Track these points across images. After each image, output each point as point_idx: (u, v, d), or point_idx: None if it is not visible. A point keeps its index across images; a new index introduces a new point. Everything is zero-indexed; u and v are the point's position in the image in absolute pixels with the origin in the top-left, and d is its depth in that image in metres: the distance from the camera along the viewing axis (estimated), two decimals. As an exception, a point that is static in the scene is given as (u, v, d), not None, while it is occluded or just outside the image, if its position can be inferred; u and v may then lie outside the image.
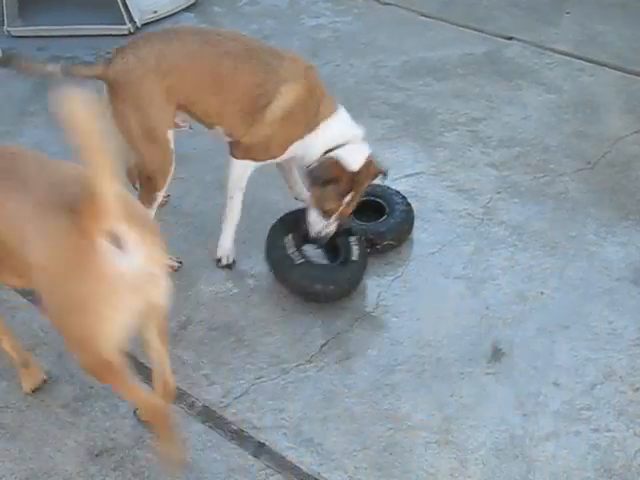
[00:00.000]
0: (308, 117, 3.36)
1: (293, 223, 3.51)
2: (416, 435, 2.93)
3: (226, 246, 3.65)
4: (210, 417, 3.03)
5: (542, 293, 3.46)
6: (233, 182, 3.51)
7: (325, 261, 3.57)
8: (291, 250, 3.43)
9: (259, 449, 2.91)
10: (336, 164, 3.29)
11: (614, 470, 2.78)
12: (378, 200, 3.75)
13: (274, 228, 3.53)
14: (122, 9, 5.56)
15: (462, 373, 3.14)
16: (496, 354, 3.21)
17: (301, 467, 2.84)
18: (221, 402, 3.07)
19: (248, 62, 3.31)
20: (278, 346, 3.29)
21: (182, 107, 3.38)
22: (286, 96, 3.30)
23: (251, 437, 2.95)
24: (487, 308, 3.40)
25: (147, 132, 3.32)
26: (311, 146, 3.39)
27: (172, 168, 3.44)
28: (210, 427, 2.99)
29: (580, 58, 5.09)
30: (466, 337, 3.28)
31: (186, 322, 3.41)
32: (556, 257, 3.63)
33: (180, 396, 3.10)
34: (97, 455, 2.92)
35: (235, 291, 3.55)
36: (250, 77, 3.31)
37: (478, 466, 2.82)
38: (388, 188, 3.77)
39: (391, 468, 2.83)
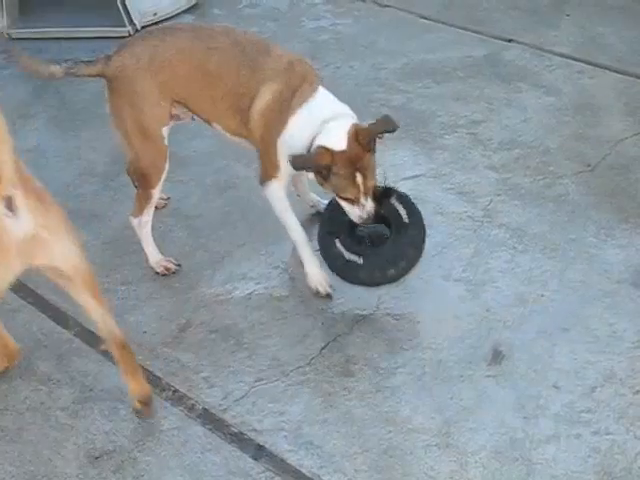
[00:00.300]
0: (282, 111, 3.27)
1: (336, 220, 3.39)
2: (416, 438, 2.92)
3: (314, 273, 3.48)
4: (210, 420, 3.03)
5: (542, 296, 3.46)
6: (275, 209, 3.44)
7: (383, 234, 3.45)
8: (347, 254, 3.33)
9: (259, 452, 2.91)
10: (323, 150, 3.13)
11: (614, 473, 2.77)
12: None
13: (321, 239, 3.43)
14: (122, 11, 5.55)
15: (462, 376, 3.14)
16: (496, 357, 3.21)
17: (301, 470, 2.84)
18: (221, 405, 3.07)
19: (234, 58, 3.31)
20: (278, 349, 3.29)
21: (178, 103, 3.41)
22: (265, 95, 3.27)
23: (251, 440, 2.95)
24: (487, 311, 3.40)
25: (141, 128, 3.36)
26: (290, 145, 3.27)
27: (166, 165, 3.45)
28: (210, 430, 2.99)
29: (580, 60, 5.09)
30: (466, 340, 3.28)
31: (186, 325, 3.41)
32: (556, 260, 3.63)
33: (180, 399, 3.11)
34: (97, 458, 2.92)
35: (235, 294, 3.55)
36: (235, 74, 3.31)
37: (478, 469, 2.81)
38: (390, 189, 3.76)
39: (391, 471, 2.82)
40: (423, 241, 3.36)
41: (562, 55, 5.15)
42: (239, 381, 3.16)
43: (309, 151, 3.19)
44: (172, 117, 3.48)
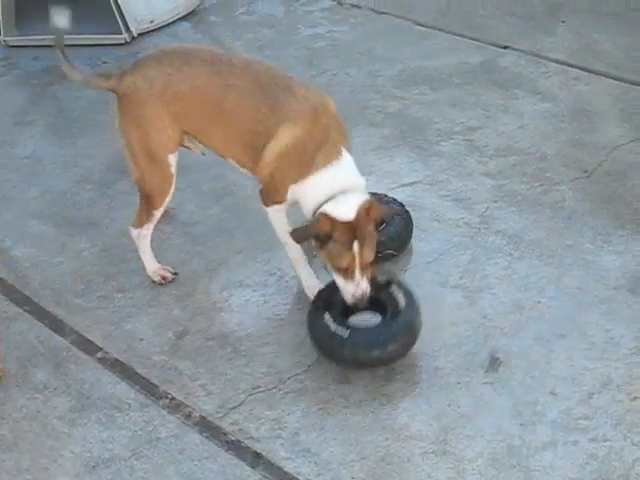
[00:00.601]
0: (302, 163, 3.15)
1: (328, 298, 3.25)
2: (413, 445, 2.92)
3: (312, 285, 3.43)
4: (207, 427, 3.02)
5: (539, 302, 3.46)
6: (277, 230, 3.40)
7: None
8: (334, 326, 3.14)
9: (256, 459, 2.90)
10: (325, 217, 3.05)
11: (612, 480, 2.78)
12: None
13: (311, 312, 3.28)
14: (118, 18, 5.56)
15: (459, 383, 3.13)
16: (493, 363, 3.20)
17: (298, 477, 2.83)
18: (218, 412, 3.07)
19: (253, 97, 3.20)
20: (275, 356, 3.28)
21: (188, 134, 3.37)
22: (283, 137, 3.15)
23: (248, 447, 2.94)
24: (484, 317, 3.40)
25: (148, 151, 3.34)
26: (303, 196, 3.20)
27: (171, 190, 3.43)
28: (207, 437, 2.99)
29: (576, 67, 5.10)
30: (463, 346, 3.27)
31: (183, 332, 3.41)
32: (553, 266, 3.63)
33: (177, 406, 3.10)
34: (94, 466, 2.91)
35: (231, 301, 3.55)
36: (253, 113, 3.20)
37: (475, 476, 2.81)
38: (385, 196, 3.77)
39: (388, 478, 2.82)
40: (416, 329, 3.17)
41: (558, 61, 5.17)
42: (236, 389, 3.16)
43: (314, 214, 3.13)
44: (181, 145, 3.46)
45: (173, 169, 3.39)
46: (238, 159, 3.36)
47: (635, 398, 3.04)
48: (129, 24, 5.60)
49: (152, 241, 3.73)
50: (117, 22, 5.57)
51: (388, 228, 3.61)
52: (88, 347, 3.37)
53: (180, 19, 5.90)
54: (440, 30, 5.62)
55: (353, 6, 5.98)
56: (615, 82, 4.93)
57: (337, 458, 2.89)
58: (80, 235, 3.96)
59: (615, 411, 3.00)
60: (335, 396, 3.11)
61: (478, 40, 5.46)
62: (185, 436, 3.00)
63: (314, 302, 3.31)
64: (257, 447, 2.94)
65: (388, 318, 3.19)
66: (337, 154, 3.15)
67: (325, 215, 3.05)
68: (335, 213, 3.04)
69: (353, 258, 3.04)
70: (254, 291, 3.60)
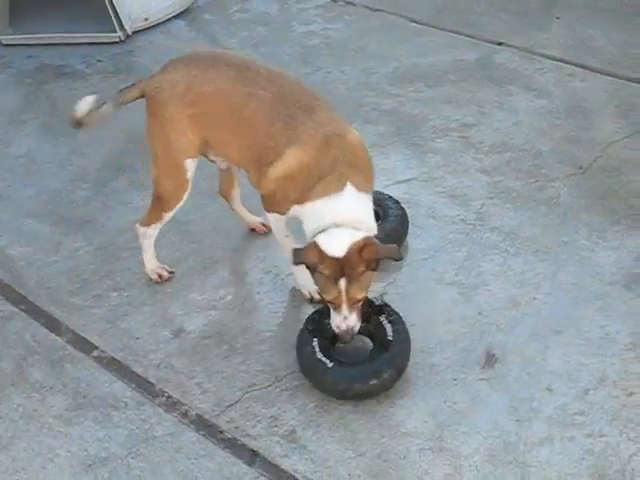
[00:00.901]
0: (304, 187, 3.07)
1: (316, 323, 3.21)
2: (410, 442, 2.92)
3: (307, 284, 3.40)
4: (203, 425, 3.02)
5: (534, 298, 3.46)
6: (275, 233, 3.40)
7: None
8: (320, 354, 3.09)
9: (253, 457, 2.90)
10: (314, 248, 2.96)
11: (608, 475, 2.78)
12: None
13: (300, 334, 3.21)
14: (113, 17, 5.55)
15: (455, 379, 3.14)
16: (489, 360, 3.21)
17: (295, 475, 2.83)
18: (214, 410, 3.07)
19: (271, 110, 3.13)
20: (271, 354, 3.28)
21: (206, 141, 3.31)
22: (289, 158, 3.08)
23: (245, 445, 2.94)
24: (480, 314, 3.40)
25: (166, 154, 3.33)
26: (303, 218, 3.15)
27: (184, 196, 3.40)
28: (203, 436, 2.98)
29: (571, 63, 5.10)
30: (459, 343, 3.28)
31: (179, 330, 3.41)
32: (548, 262, 3.64)
33: (173, 404, 3.10)
34: (90, 465, 2.91)
35: (228, 299, 3.55)
36: (267, 126, 3.13)
37: (472, 472, 2.81)
38: (380, 193, 3.77)
39: (385, 475, 2.82)
40: (402, 364, 3.10)
41: (553, 58, 5.17)
42: (232, 386, 3.16)
43: (311, 239, 3.05)
44: (206, 157, 3.43)
45: (189, 175, 3.35)
46: (247, 170, 3.31)
47: (631, 394, 3.05)
48: (123, 22, 5.59)
49: (148, 239, 3.74)
50: (111, 20, 5.56)
51: (383, 225, 3.61)
52: (84, 346, 3.36)
53: (175, 17, 5.90)
54: (435, 27, 5.62)
55: (347, 3, 5.99)
56: (610, 78, 4.93)
57: (334, 455, 2.89)
58: (75, 234, 3.95)
59: (611, 407, 3.00)
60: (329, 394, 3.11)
61: (473, 37, 5.47)
62: (181, 434, 2.99)
63: (305, 325, 3.24)
64: (253, 445, 2.94)
65: (375, 350, 3.15)
66: (339, 187, 3.02)
67: (315, 245, 2.97)
68: (324, 246, 2.95)
69: (339, 293, 2.96)
70: (250, 289, 3.60)
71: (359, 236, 2.95)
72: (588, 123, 4.54)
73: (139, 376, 3.22)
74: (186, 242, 3.84)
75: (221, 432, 3.00)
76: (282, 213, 3.25)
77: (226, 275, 3.65)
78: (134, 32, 5.69)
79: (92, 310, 3.53)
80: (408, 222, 3.75)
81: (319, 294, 3.17)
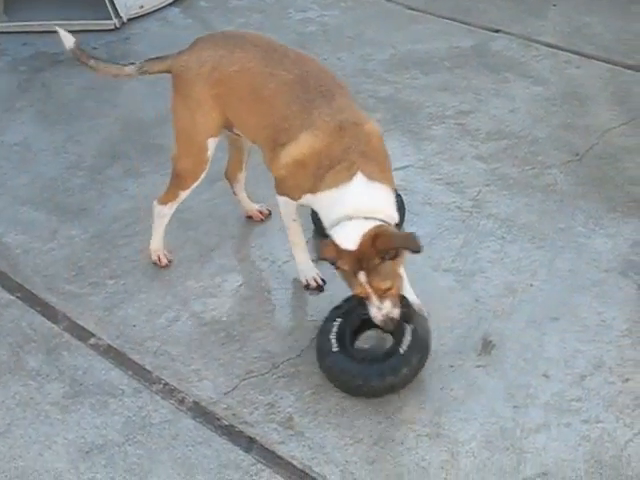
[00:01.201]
0: (316, 176, 3.01)
1: (345, 309, 3.17)
2: (407, 428, 2.93)
3: (306, 269, 3.43)
4: (200, 413, 3.02)
5: (531, 285, 3.47)
6: (283, 216, 3.35)
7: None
8: (333, 337, 3.07)
9: (250, 444, 2.91)
10: (330, 244, 2.91)
11: (604, 461, 2.79)
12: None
13: (326, 320, 3.17)
14: (108, 4, 5.54)
15: (452, 366, 3.14)
16: (486, 347, 3.21)
17: (292, 462, 2.84)
18: (211, 398, 3.07)
19: (290, 91, 3.08)
20: (268, 340, 3.29)
21: (228, 120, 3.30)
22: (302, 144, 3.02)
23: (242, 432, 2.95)
24: (476, 301, 3.40)
25: (189, 132, 3.32)
26: (318, 208, 3.11)
27: (202, 175, 3.40)
28: (200, 423, 2.99)
29: (567, 50, 5.09)
30: (456, 330, 3.28)
31: (175, 318, 3.41)
32: (545, 249, 3.64)
33: (170, 392, 3.11)
34: (87, 452, 2.91)
35: (224, 286, 3.55)
36: (284, 108, 3.08)
37: (469, 458, 2.82)
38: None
39: (382, 462, 2.83)
40: (401, 379, 3.00)
41: (549, 45, 5.16)
42: (229, 374, 3.16)
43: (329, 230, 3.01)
44: (225, 127, 3.37)
45: (209, 154, 3.34)
46: (262, 149, 3.27)
47: (627, 380, 3.05)
48: (119, 9, 5.58)
49: (144, 228, 3.75)
50: (107, 8, 5.54)
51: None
52: (81, 333, 3.36)
53: (170, 4, 5.88)
54: (431, 14, 5.61)
55: (344, -10, 5.97)
56: (606, 65, 4.93)
57: (331, 442, 2.89)
58: (71, 221, 3.95)
59: (607, 393, 3.01)
60: (328, 380, 3.10)
61: (469, 24, 5.45)
62: (179, 421, 3.00)
63: (330, 313, 3.19)
64: (251, 432, 2.94)
65: (384, 354, 3.07)
66: (348, 177, 2.94)
67: (330, 241, 2.92)
68: (338, 240, 2.89)
69: (362, 286, 2.90)
70: (247, 276, 3.60)
71: (370, 226, 2.88)
72: (584, 110, 4.54)
73: (136, 363, 3.22)
74: (182, 230, 3.83)
75: (218, 419, 3.00)
76: (293, 199, 3.21)
77: (223, 262, 3.65)
78: (129, 19, 5.67)
79: (89, 298, 3.52)
80: (405, 209, 3.75)
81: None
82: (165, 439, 2.94)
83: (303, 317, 3.40)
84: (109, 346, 3.30)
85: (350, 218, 2.91)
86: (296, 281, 3.50)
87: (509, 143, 4.31)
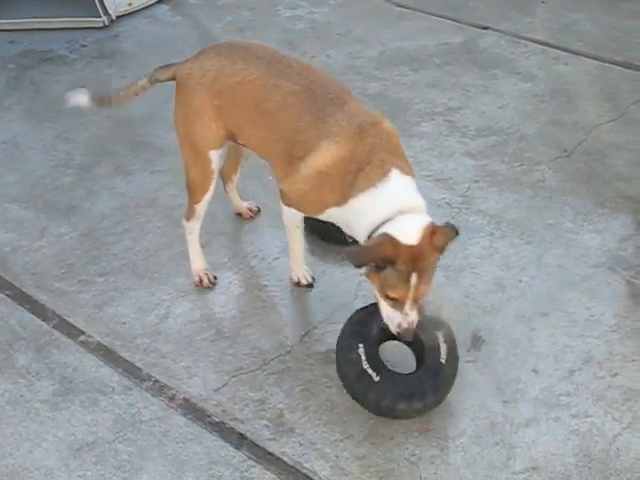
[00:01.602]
0: (344, 184, 2.87)
1: (364, 324, 2.99)
2: (397, 424, 2.93)
3: (298, 269, 3.43)
4: (191, 409, 3.02)
5: (520, 281, 3.48)
6: (287, 223, 3.23)
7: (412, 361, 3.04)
8: (366, 364, 2.90)
9: (240, 441, 2.91)
10: (389, 240, 2.68)
11: (593, 455, 2.80)
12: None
13: (343, 335, 3.01)
14: (97, 2, 5.52)
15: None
16: (476, 342, 3.22)
17: (283, 458, 2.84)
18: (201, 394, 3.07)
19: (299, 102, 2.98)
20: (258, 337, 3.29)
21: (231, 133, 3.21)
22: (324, 153, 2.89)
23: (232, 429, 2.95)
24: (466, 297, 3.42)
25: (191, 143, 3.25)
26: (349, 219, 2.94)
27: (210, 187, 3.30)
28: (191, 419, 2.99)
29: (555, 47, 5.11)
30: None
31: (165, 315, 3.40)
32: (534, 245, 3.65)
33: (160, 389, 3.10)
34: (78, 450, 2.91)
35: (214, 283, 3.54)
36: (294, 120, 2.97)
37: (459, 453, 2.83)
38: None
39: (373, 457, 2.83)
40: (447, 390, 2.94)
41: (537, 42, 5.18)
42: (219, 370, 3.16)
43: (370, 236, 2.81)
44: (228, 139, 3.28)
45: (214, 166, 3.26)
46: (273, 164, 3.16)
47: (615, 374, 3.07)
48: (107, 7, 5.56)
49: (134, 225, 3.76)
50: (95, 5, 5.52)
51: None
52: (70, 331, 3.35)
53: (159, 2, 5.86)
54: (420, 11, 5.62)
55: (332, -13, 5.98)
56: (594, 62, 4.95)
57: (321, 438, 2.90)
58: (61, 219, 3.94)
59: (596, 387, 3.03)
60: (318, 376, 3.11)
61: (458, 21, 5.47)
62: (169, 418, 3.00)
63: (351, 323, 3.02)
64: (241, 428, 2.95)
65: (423, 369, 2.93)
66: (384, 173, 2.82)
67: (389, 237, 2.68)
68: (399, 235, 2.68)
69: (408, 290, 2.72)
70: (237, 273, 3.60)
71: (426, 221, 2.75)
72: (573, 106, 4.56)
73: (126, 361, 3.22)
74: (172, 227, 3.82)
75: (208, 416, 3.00)
76: (308, 214, 3.11)
77: (212, 260, 3.64)
78: (118, 17, 5.66)
79: (78, 295, 3.52)
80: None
81: (379, 292, 2.82)
82: (155, 436, 2.94)
83: (293, 314, 3.41)
84: (99, 343, 3.30)
85: (402, 213, 2.77)
86: (286, 277, 3.51)
87: (498, 140, 4.33)
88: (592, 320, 3.29)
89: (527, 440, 2.86)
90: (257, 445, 2.89)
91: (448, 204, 3.89)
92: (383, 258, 2.70)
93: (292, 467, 2.81)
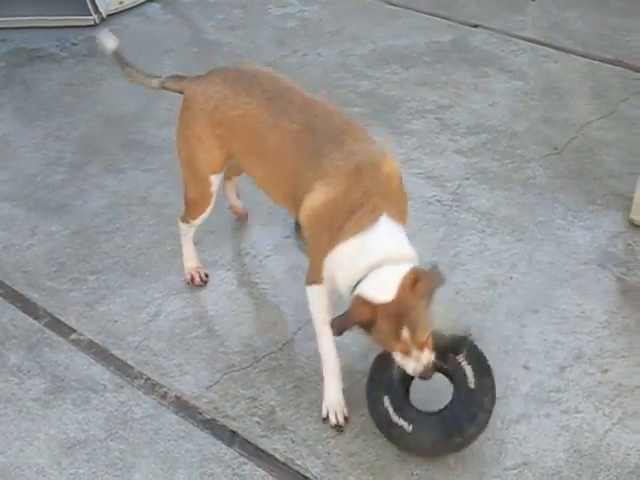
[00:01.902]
0: (332, 229, 2.67)
1: (385, 370, 2.81)
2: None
3: (333, 398, 2.95)
4: (182, 407, 3.03)
5: (511, 278, 3.49)
6: (313, 315, 2.93)
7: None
8: (395, 417, 2.76)
9: (232, 438, 2.91)
10: (361, 302, 2.51)
11: (584, 450, 2.81)
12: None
13: (369, 389, 2.86)
14: (87, 0, 5.51)
15: (433, 358, 3.16)
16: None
17: (275, 454, 2.85)
18: (193, 392, 3.07)
19: (296, 143, 2.82)
20: (250, 334, 3.29)
21: (233, 157, 3.12)
22: (317, 195, 2.71)
23: (224, 426, 2.95)
24: (457, 293, 3.42)
25: (191, 166, 3.17)
26: (335, 271, 2.71)
27: (207, 208, 3.26)
28: (183, 417, 2.99)
29: (546, 45, 5.12)
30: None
31: (157, 313, 3.41)
32: (524, 242, 3.66)
33: (152, 386, 3.10)
34: (69, 448, 2.91)
35: (206, 281, 3.55)
36: (293, 162, 2.82)
37: (450, 450, 2.84)
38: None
39: (364, 454, 2.84)
40: (488, 414, 2.74)
41: (528, 40, 5.19)
42: (211, 368, 3.16)
43: (351, 294, 2.61)
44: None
45: (214, 189, 3.18)
46: (276, 200, 3.08)
47: (606, 370, 3.08)
48: (98, 5, 5.54)
49: (125, 223, 3.75)
50: (86, 4, 5.51)
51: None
52: (62, 329, 3.35)
53: (149, 0, 5.85)
54: (411, 9, 5.62)
55: (323, -14, 5.98)
56: (585, 60, 4.96)
57: (312, 435, 2.90)
58: (52, 218, 3.93)
59: (587, 383, 3.04)
60: (310, 374, 3.11)
61: (449, 19, 5.47)
62: (161, 416, 3.00)
63: (373, 373, 2.86)
64: (233, 425, 2.95)
65: (455, 399, 2.77)
66: (372, 220, 2.61)
67: (361, 300, 2.51)
68: (371, 293, 2.50)
69: (405, 344, 2.53)
70: (228, 271, 3.60)
71: (406, 270, 2.53)
72: (563, 104, 4.57)
73: (117, 359, 3.22)
74: (163, 225, 3.83)
75: (200, 413, 3.00)
76: (319, 281, 2.82)
77: (204, 257, 3.64)
78: (109, 15, 5.64)
79: (70, 293, 3.51)
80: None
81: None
82: (147, 434, 2.94)
83: (284, 311, 3.41)
84: (90, 341, 3.30)
85: (380, 265, 2.55)
86: (277, 274, 3.51)
87: (489, 137, 4.34)
88: (582, 316, 3.30)
89: (518, 436, 2.87)
90: (249, 442, 2.89)
91: (439, 202, 3.90)
92: (360, 323, 2.53)
93: (284, 464, 2.82)
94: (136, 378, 3.14)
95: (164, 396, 3.07)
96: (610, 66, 4.88)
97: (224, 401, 3.03)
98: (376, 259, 2.56)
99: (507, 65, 4.94)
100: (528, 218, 3.79)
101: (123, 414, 3.01)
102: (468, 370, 2.77)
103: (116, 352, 3.25)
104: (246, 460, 2.83)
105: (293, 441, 2.88)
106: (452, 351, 2.78)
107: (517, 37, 5.22)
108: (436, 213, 3.83)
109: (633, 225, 3.70)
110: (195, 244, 3.59)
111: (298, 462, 2.82)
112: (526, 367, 3.11)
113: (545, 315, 3.31)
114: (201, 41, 5.37)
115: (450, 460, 2.80)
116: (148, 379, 3.14)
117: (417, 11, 5.58)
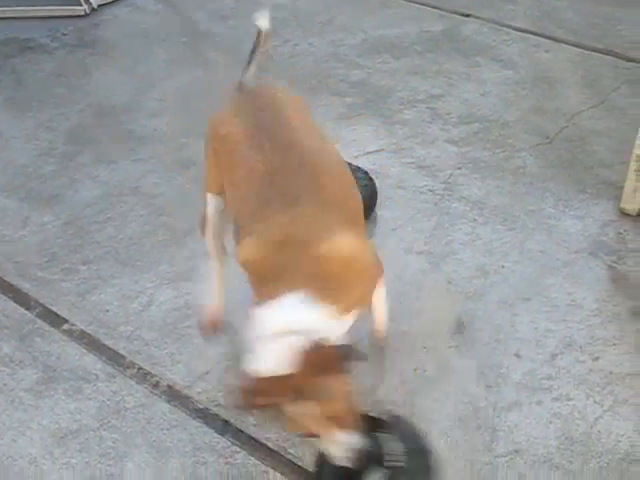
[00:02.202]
0: (251, 283, 2.53)
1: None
2: (380, 409, 2.94)
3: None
4: (175, 396, 3.03)
5: (503, 266, 3.50)
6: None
7: None
8: None
9: (225, 427, 2.92)
10: (243, 376, 2.24)
11: (575, 437, 2.83)
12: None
13: None
14: (77, -11, 5.50)
15: (425, 347, 3.16)
16: (459, 327, 3.24)
17: (267, 443, 2.85)
18: (185, 381, 3.08)
19: (253, 185, 2.54)
20: (242, 324, 3.29)
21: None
22: (244, 250, 2.51)
23: (216, 415, 2.96)
24: (449, 282, 3.43)
25: (205, 175, 2.98)
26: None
27: (207, 233, 3.05)
28: (175, 406, 2.99)
29: (537, 34, 5.12)
30: (429, 311, 3.30)
31: (149, 302, 3.41)
32: (516, 231, 3.67)
33: (144, 376, 3.11)
34: (62, 437, 2.91)
35: (197, 271, 3.54)
36: (241, 202, 2.62)
37: (442, 438, 2.84)
38: (349, 164, 3.76)
39: (356, 442, 2.85)
40: None
41: (519, 29, 5.19)
42: (203, 357, 3.16)
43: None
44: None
45: (209, 210, 2.97)
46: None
47: (597, 358, 3.10)
48: (88, -5, 5.54)
49: (116, 213, 3.75)
50: (76, -6, 5.50)
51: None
52: (54, 319, 3.35)
53: (141, -10, 5.84)
54: (402, -1, 5.62)
55: (315, -25, 5.96)
56: (576, 49, 4.96)
57: (305, 423, 2.91)
58: (43, 208, 3.93)
59: (578, 371, 3.05)
60: (302, 363, 3.12)
61: (440, 8, 5.46)
62: (153, 405, 3.00)
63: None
64: (225, 414, 2.95)
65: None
66: (281, 293, 2.33)
67: (243, 373, 2.25)
68: (252, 367, 2.22)
69: (315, 425, 2.22)
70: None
71: (300, 341, 2.19)
72: (554, 93, 4.57)
73: (109, 348, 3.22)
74: (155, 215, 3.82)
75: (193, 402, 3.01)
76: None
77: (196, 247, 3.63)
78: (100, 5, 5.62)
79: (61, 284, 3.51)
80: (377, 193, 3.77)
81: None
82: (140, 423, 2.94)
83: (277, 301, 3.41)
84: (82, 331, 3.30)
85: (274, 337, 2.24)
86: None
87: (480, 127, 4.34)
88: (574, 305, 3.31)
89: (509, 424, 2.88)
90: (241, 431, 2.90)
91: (431, 191, 3.90)
92: (243, 406, 2.35)
93: (276, 452, 2.83)
94: (128, 368, 3.14)
95: (156, 385, 3.07)
96: (601, 55, 4.88)
97: (216, 390, 3.04)
98: (270, 330, 2.28)
99: (498, 55, 4.94)
100: (519, 207, 3.79)
101: (115, 404, 3.01)
102: (395, 446, 2.42)
103: (108, 342, 3.25)
104: (239, 449, 2.84)
105: (285, 430, 2.89)
106: (372, 429, 2.40)
107: (508, 27, 5.22)
108: (428, 202, 3.84)
109: (624, 214, 3.71)
110: (186, 235, 3.59)
111: (291, 450, 2.82)
112: (518, 355, 3.12)
113: (536, 303, 3.32)
114: (192, 31, 5.35)
115: (442, 448, 2.80)
116: (140, 369, 3.14)
117: (408, 1, 5.57)
